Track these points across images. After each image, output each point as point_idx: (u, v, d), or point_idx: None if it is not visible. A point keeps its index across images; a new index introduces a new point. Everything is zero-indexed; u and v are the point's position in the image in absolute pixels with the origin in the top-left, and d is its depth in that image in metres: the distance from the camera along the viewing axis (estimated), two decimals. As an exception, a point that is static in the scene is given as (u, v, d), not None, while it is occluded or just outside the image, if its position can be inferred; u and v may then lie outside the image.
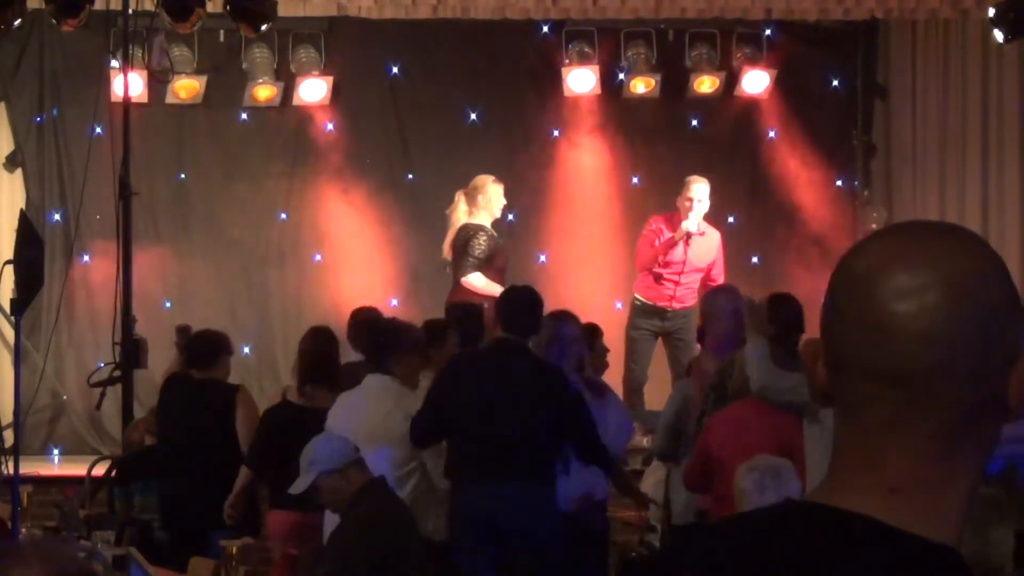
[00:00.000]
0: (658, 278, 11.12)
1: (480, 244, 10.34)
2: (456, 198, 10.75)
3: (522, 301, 7.41)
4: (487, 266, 10.37)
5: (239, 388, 8.38)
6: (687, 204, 11.07)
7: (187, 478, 8.13)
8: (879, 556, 1.49)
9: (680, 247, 11.05)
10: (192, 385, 8.41)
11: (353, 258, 12.81)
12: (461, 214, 10.61)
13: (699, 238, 11.11)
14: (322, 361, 7.94)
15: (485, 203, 10.56)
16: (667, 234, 11.12)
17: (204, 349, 8.47)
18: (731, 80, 13.03)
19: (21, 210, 10.69)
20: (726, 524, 1.63)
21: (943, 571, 1.50)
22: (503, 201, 10.73)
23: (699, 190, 11.11)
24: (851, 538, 1.50)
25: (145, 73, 12.14)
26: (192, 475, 8.11)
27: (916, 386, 1.51)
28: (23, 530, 7.43)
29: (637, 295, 11.32)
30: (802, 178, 13.20)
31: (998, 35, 11.26)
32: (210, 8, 10.60)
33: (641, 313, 11.24)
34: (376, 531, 6.27)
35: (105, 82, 10.87)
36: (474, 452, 6.96)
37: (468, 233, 10.44)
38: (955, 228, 1.59)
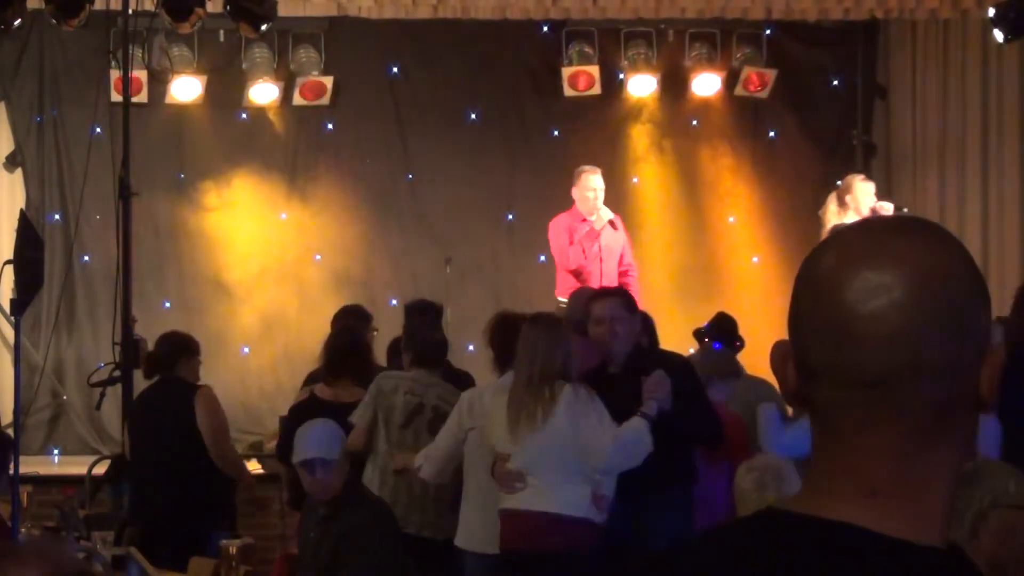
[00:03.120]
0: (578, 275, 10.86)
1: None
2: (828, 199, 10.83)
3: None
4: None
5: (199, 388, 8.27)
6: (590, 195, 10.75)
7: (152, 480, 8.11)
8: (865, 564, 1.45)
9: (594, 242, 10.75)
10: (155, 387, 8.40)
11: (353, 258, 12.82)
12: (831, 215, 10.70)
13: (607, 227, 10.92)
14: (342, 358, 7.92)
15: (853, 203, 10.65)
16: (575, 228, 10.88)
17: (158, 361, 8.43)
18: (731, 80, 13.03)
19: (21, 210, 10.69)
20: (708, 537, 1.58)
21: (931, 575, 1.46)
22: (872, 200, 10.70)
23: (597, 180, 10.82)
24: (836, 548, 1.46)
25: (145, 73, 12.14)
26: (157, 476, 8.09)
27: (887, 387, 1.48)
28: (23, 530, 7.43)
29: (564, 299, 10.99)
30: (802, 178, 13.21)
31: (998, 35, 11.25)
32: (210, 8, 10.60)
33: None
34: (385, 529, 6.30)
35: (105, 82, 10.87)
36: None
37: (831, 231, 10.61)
38: (918, 221, 1.56)
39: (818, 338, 1.51)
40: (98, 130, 11.13)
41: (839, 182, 11.03)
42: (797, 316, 1.54)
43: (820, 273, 1.52)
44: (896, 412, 1.49)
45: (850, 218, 10.55)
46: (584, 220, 10.77)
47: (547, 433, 6.32)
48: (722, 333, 9.05)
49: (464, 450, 6.92)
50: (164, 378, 8.32)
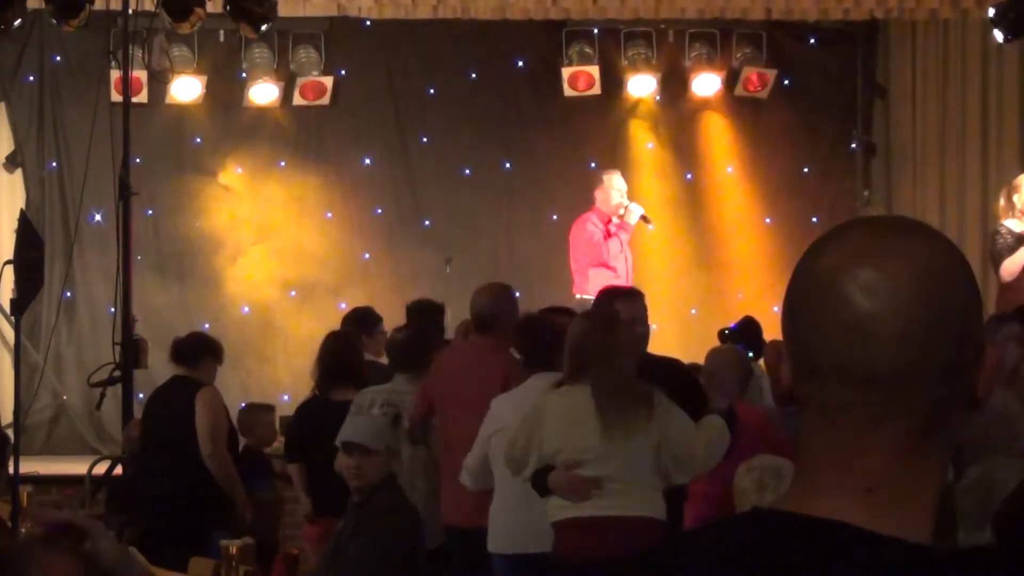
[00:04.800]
0: (605, 273, 10.89)
1: (995, 244, 10.44)
2: (1001, 195, 10.63)
3: None
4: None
5: (202, 386, 8.25)
6: (615, 194, 10.97)
7: (156, 476, 8.11)
8: (857, 563, 1.45)
9: (617, 240, 10.89)
10: (168, 385, 8.41)
11: (353, 258, 12.83)
12: (1001, 211, 10.55)
13: (628, 227, 11.05)
14: (343, 363, 7.94)
15: (1020, 201, 10.39)
16: (602, 227, 10.97)
17: (187, 349, 8.43)
18: (731, 80, 13.04)
19: (21, 210, 10.70)
20: (697, 536, 1.58)
21: (921, 573, 1.47)
22: None
23: (621, 180, 11.14)
24: (828, 547, 1.47)
25: (145, 73, 12.14)
26: (163, 473, 8.09)
27: (895, 386, 1.49)
28: (23, 530, 7.42)
29: (590, 297, 10.95)
30: (802, 178, 13.22)
31: (998, 35, 11.25)
32: (210, 8, 10.60)
33: None
34: (404, 524, 6.30)
35: (105, 82, 10.87)
36: None
37: (992, 231, 10.60)
38: (911, 221, 1.56)
39: (822, 337, 1.51)
40: (98, 130, 11.13)
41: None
42: (796, 314, 1.54)
43: (820, 271, 1.52)
44: (901, 410, 1.50)
45: (1015, 218, 10.36)
46: (611, 220, 10.90)
47: (645, 437, 6.12)
48: (748, 338, 9.05)
49: (491, 455, 6.82)
50: (178, 376, 8.32)
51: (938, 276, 1.50)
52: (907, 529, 1.48)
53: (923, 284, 1.49)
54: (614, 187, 11.05)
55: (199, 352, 8.38)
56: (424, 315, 8.65)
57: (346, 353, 8.05)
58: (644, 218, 11.05)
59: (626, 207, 11.02)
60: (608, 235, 10.91)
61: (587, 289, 10.73)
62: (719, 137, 13.22)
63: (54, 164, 12.62)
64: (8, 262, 8.62)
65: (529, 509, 6.53)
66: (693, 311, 12.87)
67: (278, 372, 12.41)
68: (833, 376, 1.50)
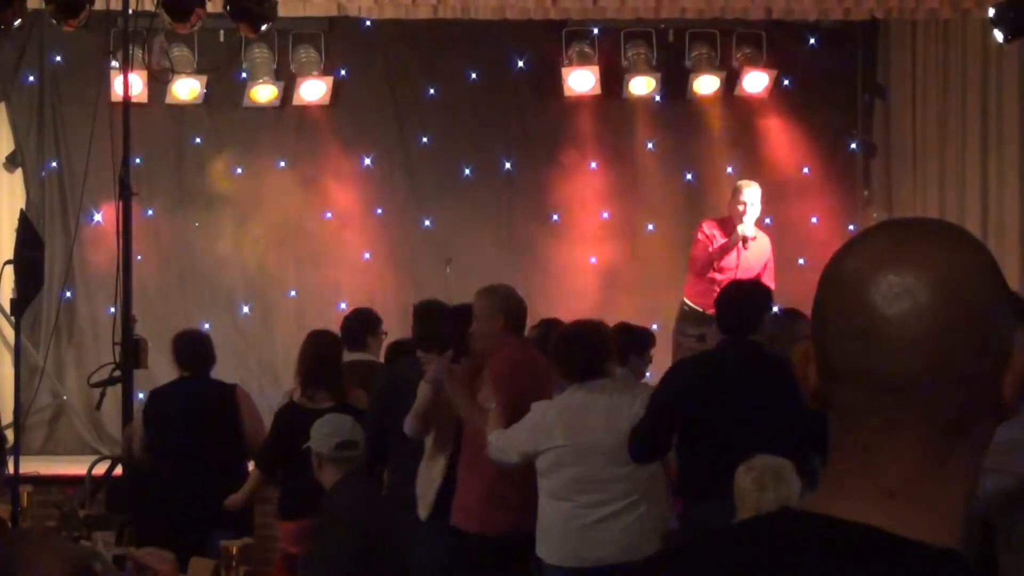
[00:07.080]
0: (711, 283, 10.90)
1: None
2: None
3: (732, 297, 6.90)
4: None
5: (236, 386, 8.31)
6: (740, 208, 10.94)
7: (189, 479, 8.08)
8: (882, 565, 1.46)
9: (734, 252, 10.93)
10: (187, 386, 8.37)
11: (353, 259, 12.82)
12: None
13: (752, 242, 10.99)
14: (321, 365, 7.90)
15: None
16: (720, 238, 10.99)
17: (199, 352, 8.42)
18: (731, 80, 13.03)
19: (21, 210, 10.71)
20: (721, 535, 1.58)
21: (947, 575, 1.47)
22: None
23: (750, 194, 10.99)
24: (853, 548, 1.47)
25: (145, 73, 12.13)
26: (195, 476, 8.06)
27: (910, 391, 1.49)
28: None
29: (687, 300, 11.09)
30: (802, 178, 13.21)
31: (998, 35, 11.25)
32: (210, 8, 10.59)
33: (690, 318, 10.90)
34: (353, 524, 6.29)
35: (105, 82, 10.87)
36: (723, 462, 5.82)
37: None
38: (944, 225, 1.56)
39: (842, 340, 1.51)
40: (98, 130, 11.12)
41: None
42: (821, 317, 1.54)
43: (844, 275, 1.52)
44: (917, 416, 1.49)
45: None
46: (732, 230, 10.97)
47: None
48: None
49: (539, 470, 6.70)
50: (196, 376, 8.29)
51: (959, 281, 1.49)
52: (934, 534, 1.48)
53: (943, 289, 1.49)
54: (739, 199, 10.98)
55: (210, 353, 8.38)
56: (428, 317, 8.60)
57: (329, 355, 7.98)
58: (743, 239, 10.95)
59: (743, 224, 10.94)
60: (711, 246, 10.97)
61: (689, 294, 11.14)
62: (719, 137, 13.21)
63: (54, 164, 12.62)
64: (8, 262, 8.63)
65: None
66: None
67: (278, 372, 12.40)
68: (851, 380, 1.51)
